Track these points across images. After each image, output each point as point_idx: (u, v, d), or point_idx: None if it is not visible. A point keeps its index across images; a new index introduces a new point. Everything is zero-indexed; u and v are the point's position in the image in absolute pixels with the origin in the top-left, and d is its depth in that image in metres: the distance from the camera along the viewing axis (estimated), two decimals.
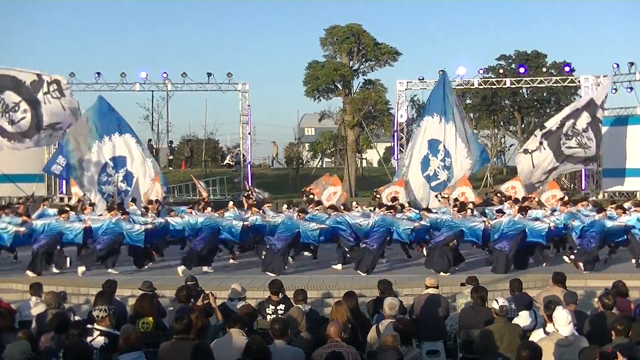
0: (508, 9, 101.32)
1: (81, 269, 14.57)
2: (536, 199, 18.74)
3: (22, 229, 15.05)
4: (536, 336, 7.08)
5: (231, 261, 16.38)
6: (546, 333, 7.02)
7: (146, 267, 15.37)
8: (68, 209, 16.23)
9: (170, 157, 39.72)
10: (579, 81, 27.57)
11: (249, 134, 29.58)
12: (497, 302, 7.78)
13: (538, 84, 29.14)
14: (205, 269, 14.90)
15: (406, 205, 18.12)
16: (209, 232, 15.04)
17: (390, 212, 15.21)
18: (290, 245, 14.98)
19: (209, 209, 16.42)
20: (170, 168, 37.54)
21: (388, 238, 15.01)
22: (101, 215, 16.48)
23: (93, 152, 19.69)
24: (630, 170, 24.80)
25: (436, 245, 14.60)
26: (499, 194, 20.10)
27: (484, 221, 14.97)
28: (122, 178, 20.06)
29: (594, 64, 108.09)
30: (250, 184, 27.63)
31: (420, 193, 20.98)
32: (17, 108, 20.86)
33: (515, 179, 22.24)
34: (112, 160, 19.97)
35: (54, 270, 15.07)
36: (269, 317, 8.93)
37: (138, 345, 6.47)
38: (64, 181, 27.97)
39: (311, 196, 19.85)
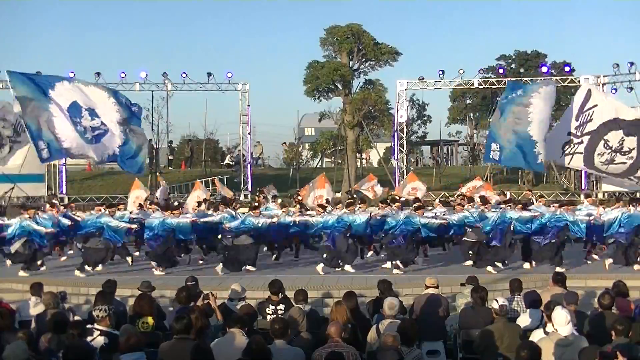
0: (508, 9, 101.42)
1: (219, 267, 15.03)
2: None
3: (134, 225, 15.31)
4: (536, 336, 7.09)
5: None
6: (546, 333, 7.03)
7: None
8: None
9: (170, 157, 39.70)
10: (579, 81, 27.58)
11: (249, 134, 29.59)
12: (497, 302, 7.78)
13: None
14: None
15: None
16: (341, 229, 14.93)
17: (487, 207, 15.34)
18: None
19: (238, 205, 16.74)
20: (170, 168, 37.54)
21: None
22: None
23: (56, 117, 18.34)
24: None
25: (545, 245, 14.73)
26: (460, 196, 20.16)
27: (589, 214, 15.13)
28: (88, 116, 18.71)
29: (594, 64, 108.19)
30: (250, 184, 27.69)
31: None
32: None
33: (476, 178, 22.40)
34: (68, 111, 18.51)
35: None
36: (269, 317, 8.93)
37: (140, 346, 6.46)
38: (64, 181, 28.15)
39: (299, 198, 19.91)
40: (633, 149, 18.79)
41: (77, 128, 18.35)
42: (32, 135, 18.27)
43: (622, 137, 18.86)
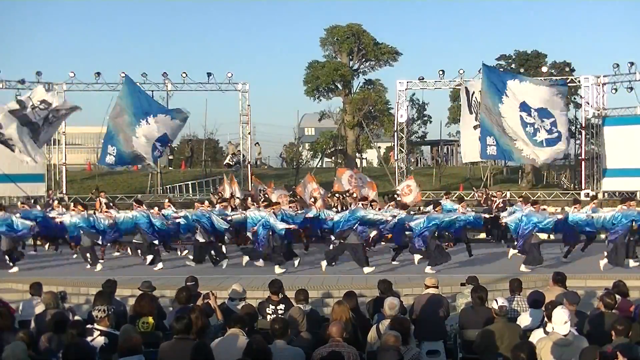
0: (508, 9, 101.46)
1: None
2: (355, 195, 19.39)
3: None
4: (536, 336, 7.09)
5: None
6: (546, 333, 7.02)
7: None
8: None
9: (170, 157, 39.68)
10: (579, 81, 27.56)
11: (249, 134, 29.57)
12: (497, 302, 7.78)
13: None
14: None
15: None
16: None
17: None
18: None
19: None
20: (170, 168, 37.54)
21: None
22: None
23: (139, 136, 21.83)
24: (629, 171, 24.80)
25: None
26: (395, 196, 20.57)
27: None
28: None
29: (594, 64, 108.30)
30: (250, 184, 27.64)
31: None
32: None
33: (409, 178, 22.69)
34: (158, 142, 22.34)
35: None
36: (269, 317, 8.93)
37: (138, 349, 6.42)
38: (64, 181, 28.14)
39: (297, 197, 20.03)
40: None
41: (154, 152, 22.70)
42: (110, 138, 21.99)
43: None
